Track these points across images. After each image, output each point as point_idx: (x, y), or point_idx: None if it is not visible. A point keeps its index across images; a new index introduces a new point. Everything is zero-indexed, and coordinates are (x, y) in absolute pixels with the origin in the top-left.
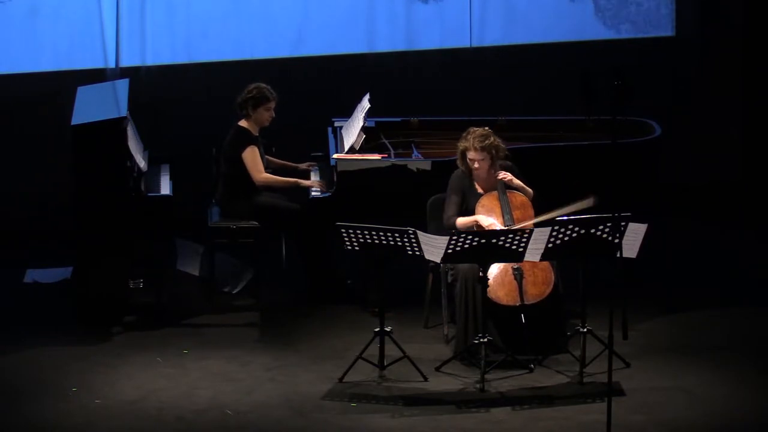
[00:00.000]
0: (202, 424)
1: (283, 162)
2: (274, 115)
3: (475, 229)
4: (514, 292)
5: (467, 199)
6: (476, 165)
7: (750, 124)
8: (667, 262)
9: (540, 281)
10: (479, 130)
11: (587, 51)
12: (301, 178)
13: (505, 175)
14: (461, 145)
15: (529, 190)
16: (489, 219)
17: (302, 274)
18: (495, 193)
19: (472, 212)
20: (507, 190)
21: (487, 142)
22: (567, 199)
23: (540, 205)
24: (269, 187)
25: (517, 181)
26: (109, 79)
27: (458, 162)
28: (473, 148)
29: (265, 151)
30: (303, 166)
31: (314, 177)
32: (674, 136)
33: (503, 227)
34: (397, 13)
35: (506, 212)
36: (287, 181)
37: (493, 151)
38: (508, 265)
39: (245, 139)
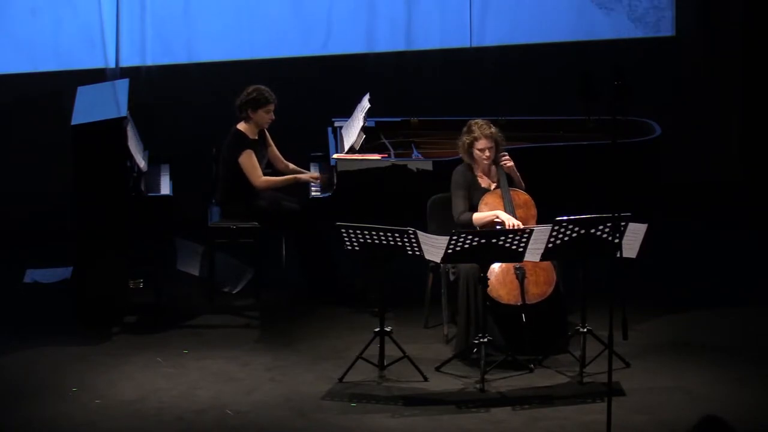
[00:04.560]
0: (202, 424)
1: (295, 168)
2: (273, 117)
3: (495, 224)
4: (515, 291)
5: (471, 194)
6: (486, 154)
7: (750, 124)
8: (667, 262)
9: (542, 281)
10: (479, 121)
11: (587, 51)
12: (297, 174)
13: (507, 160)
14: (467, 138)
15: (521, 182)
16: (507, 215)
17: (302, 274)
18: (498, 191)
19: (475, 208)
20: (510, 189)
21: (493, 129)
22: (567, 199)
23: (538, 204)
24: (270, 188)
25: (516, 171)
26: (109, 79)
27: (463, 157)
28: (483, 136)
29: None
30: (306, 177)
31: (314, 170)
32: (674, 136)
33: (522, 225)
34: (397, 13)
35: (509, 211)
36: (286, 179)
37: (498, 137)
38: (510, 264)
39: (242, 143)
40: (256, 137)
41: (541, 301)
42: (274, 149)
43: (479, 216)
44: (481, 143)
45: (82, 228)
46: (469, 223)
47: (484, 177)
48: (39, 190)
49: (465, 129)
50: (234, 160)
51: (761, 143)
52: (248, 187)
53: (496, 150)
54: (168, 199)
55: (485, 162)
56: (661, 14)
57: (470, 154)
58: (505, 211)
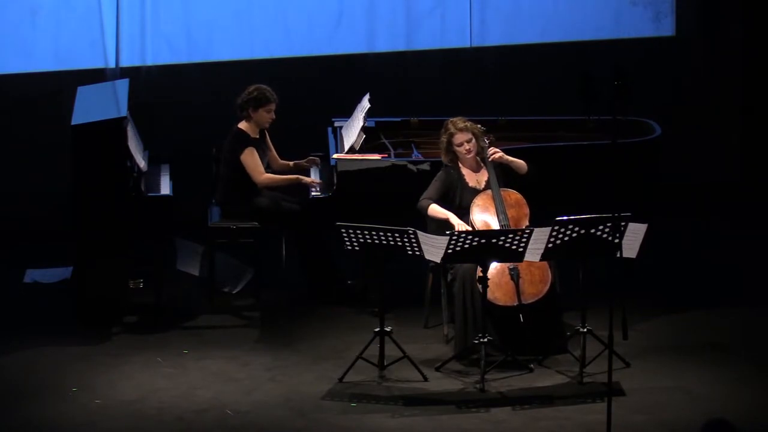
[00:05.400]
0: (202, 424)
1: (296, 162)
2: (274, 117)
3: (449, 225)
4: (511, 293)
5: (460, 194)
6: (466, 147)
7: (750, 124)
8: (667, 262)
9: (537, 279)
10: (453, 118)
11: (587, 51)
12: (301, 175)
13: (495, 152)
14: (444, 138)
15: (521, 161)
16: (459, 221)
17: (302, 274)
18: (489, 192)
19: (467, 208)
20: (501, 189)
21: (467, 122)
22: (567, 199)
23: (538, 204)
24: (271, 187)
25: (507, 157)
26: (109, 79)
27: (446, 160)
28: (458, 130)
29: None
30: (304, 162)
31: (314, 176)
32: (674, 136)
33: (470, 228)
34: (397, 13)
35: (501, 211)
36: (288, 178)
37: (475, 129)
38: (504, 266)
39: (243, 141)
40: (257, 136)
41: (537, 300)
42: (273, 152)
43: (435, 209)
44: (458, 137)
45: (82, 228)
46: (425, 211)
47: (471, 175)
48: (39, 190)
49: (442, 130)
50: (236, 158)
51: (761, 143)
52: (249, 186)
53: (477, 142)
54: (168, 199)
55: (468, 156)
56: (661, 14)
57: (452, 153)
58: (497, 212)
